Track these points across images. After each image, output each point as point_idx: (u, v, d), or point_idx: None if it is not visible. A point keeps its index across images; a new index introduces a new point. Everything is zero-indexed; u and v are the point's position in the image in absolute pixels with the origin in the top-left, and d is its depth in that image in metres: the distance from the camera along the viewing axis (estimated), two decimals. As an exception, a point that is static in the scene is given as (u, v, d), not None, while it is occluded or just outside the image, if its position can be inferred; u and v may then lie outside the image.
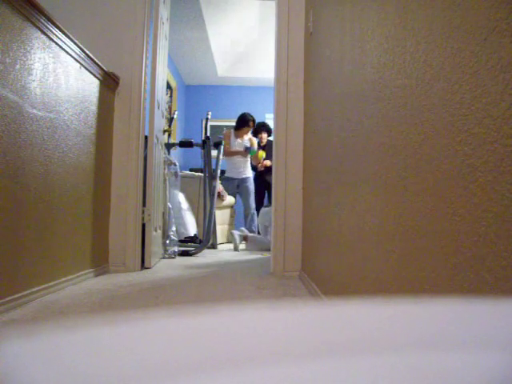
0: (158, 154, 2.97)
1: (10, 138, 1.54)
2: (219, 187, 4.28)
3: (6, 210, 1.53)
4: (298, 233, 2.58)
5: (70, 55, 2.03)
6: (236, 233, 4.14)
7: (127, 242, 2.61)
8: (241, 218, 5.07)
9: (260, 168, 4.84)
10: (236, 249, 4.06)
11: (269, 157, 4.71)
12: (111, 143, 2.62)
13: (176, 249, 3.39)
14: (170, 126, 3.95)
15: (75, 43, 2.04)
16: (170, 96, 5.84)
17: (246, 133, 4.75)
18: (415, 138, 0.81)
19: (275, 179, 2.66)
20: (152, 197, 2.73)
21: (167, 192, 3.40)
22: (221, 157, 4.24)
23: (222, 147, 4.46)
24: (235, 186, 4.81)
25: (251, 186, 4.84)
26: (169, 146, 3.68)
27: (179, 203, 3.95)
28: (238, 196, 4.95)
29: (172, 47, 4.95)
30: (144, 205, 2.70)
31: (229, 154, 4.69)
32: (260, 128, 4.89)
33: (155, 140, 2.78)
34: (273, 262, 2.63)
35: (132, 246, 2.62)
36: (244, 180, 4.83)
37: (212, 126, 4.85)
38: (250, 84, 6.97)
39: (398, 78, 0.92)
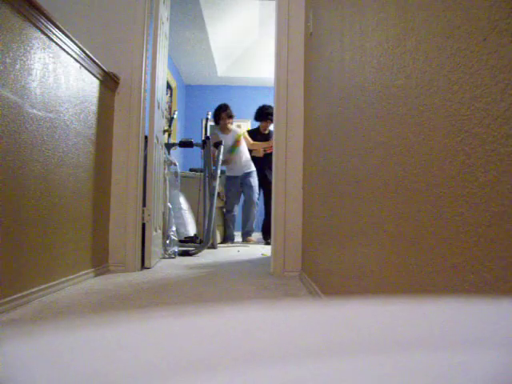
0: (158, 153, 2.97)
1: (9, 138, 1.54)
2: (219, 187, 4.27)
3: (5, 210, 1.53)
4: (298, 233, 2.58)
5: (70, 55, 2.03)
6: None
7: (127, 241, 2.61)
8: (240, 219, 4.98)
9: (259, 154, 4.64)
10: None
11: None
12: (111, 143, 2.62)
13: (176, 249, 3.39)
14: (170, 126, 3.95)
15: (75, 43, 2.04)
16: (170, 96, 5.84)
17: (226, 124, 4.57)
18: (415, 138, 0.81)
19: (275, 179, 2.66)
20: (152, 197, 2.73)
21: (167, 192, 3.40)
22: (221, 157, 4.23)
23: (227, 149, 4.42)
24: (238, 185, 4.66)
25: (255, 180, 4.65)
26: (169, 146, 3.68)
27: (179, 203, 3.95)
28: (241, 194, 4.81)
29: (172, 47, 4.95)
30: (144, 205, 2.70)
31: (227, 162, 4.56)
32: (263, 115, 4.66)
33: (155, 140, 2.78)
34: (273, 262, 2.63)
35: (132, 246, 2.62)
36: (247, 174, 4.63)
37: (212, 126, 4.83)
38: (249, 84, 6.97)
39: (397, 78, 0.92)
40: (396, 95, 0.93)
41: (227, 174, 4.72)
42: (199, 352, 0.17)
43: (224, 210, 4.75)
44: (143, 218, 2.69)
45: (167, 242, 3.30)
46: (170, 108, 5.70)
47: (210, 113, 4.46)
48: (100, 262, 2.49)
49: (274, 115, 2.72)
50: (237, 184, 4.67)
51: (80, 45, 2.08)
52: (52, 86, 1.86)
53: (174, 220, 3.50)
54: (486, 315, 0.21)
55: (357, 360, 0.17)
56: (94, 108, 2.35)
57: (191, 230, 4.11)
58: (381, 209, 1.02)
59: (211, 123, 4.54)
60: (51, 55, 1.85)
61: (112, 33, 2.64)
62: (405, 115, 0.87)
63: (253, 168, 4.66)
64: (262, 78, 6.49)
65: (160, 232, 3.09)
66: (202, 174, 4.18)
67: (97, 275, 2.40)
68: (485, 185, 0.57)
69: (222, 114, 4.55)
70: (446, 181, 0.68)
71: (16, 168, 1.59)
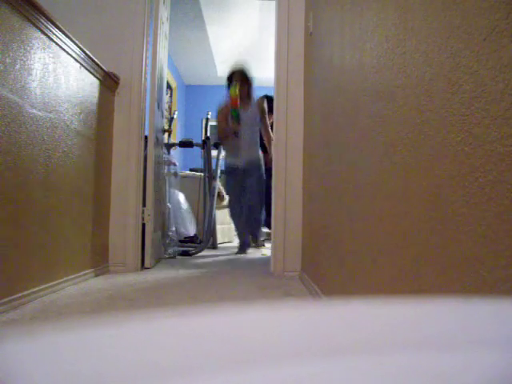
0: (158, 153, 2.97)
1: (10, 138, 1.54)
2: (219, 187, 4.25)
3: (5, 210, 1.53)
4: (298, 233, 2.58)
5: (70, 55, 2.03)
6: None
7: (127, 242, 2.61)
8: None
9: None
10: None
11: None
12: (111, 143, 2.62)
13: (176, 249, 3.39)
14: (170, 125, 3.95)
15: (75, 43, 2.04)
16: (170, 96, 5.84)
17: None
18: (415, 138, 0.81)
19: (275, 179, 2.66)
20: (152, 197, 2.73)
21: (167, 192, 3.40)
22: (221, 157, 4.22)
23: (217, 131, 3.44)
24: (240, 180, 3.40)
25: (262, 175, 3.36)
26: (169, 146, 3.67)
27: (179, 203, 3.95)
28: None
29: (172, 47, 4.95)
30: (144, 205, 2.70)
31: (224, 135, 3.32)
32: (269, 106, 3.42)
33: (155, 140, 2.78)
34: (273, 262, 2.63)
35: (132, 246, 2.62)
36: (251, 167, 3.32)
37: (212, 126, 4.83)
38: (249, 84, 6.96)
39: (397, 77, 0.92)
40: (396, 95, 0.93)
41: (227, 161, 3.58)
42: (199, 352, 0.17)
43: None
44: (143, 218, 2.69)
45: (167, 241, 3.30)
46: (170, 108, 5.70)
47: (210, 113, 4.45)
48: (100, 262, 2.49)
49: (274, 115, 2.72)
50: (238, 176, 3.42)
51: (80, 45, 2.08)
52: (52, 85, 1.86)
53: (173, 220, 3.49)
54: (486, 315, 0.21)
55: (356, 360, 0.17)
56: (94, 108, 2.35)
57: (191, 230, 4.11)
58: (381, 209, 1.02)
59: (211, 123, 4.54)
60: (51, 55, 1.85)
61: (112, 33, 2.64)
62: (405, 115, 0.87)
63: (262, 161, 3.46)
64: (262, 77, 6.48)
65: (160, 232, 3.09)
66: (202, 174, 4.18)
67: (97, 275, 2.40)
68: (485, 185, 0.57)
69: (234, 79, 3.21)
70: (446, 181, 0.68)
71: (16, 168, 1.59)
